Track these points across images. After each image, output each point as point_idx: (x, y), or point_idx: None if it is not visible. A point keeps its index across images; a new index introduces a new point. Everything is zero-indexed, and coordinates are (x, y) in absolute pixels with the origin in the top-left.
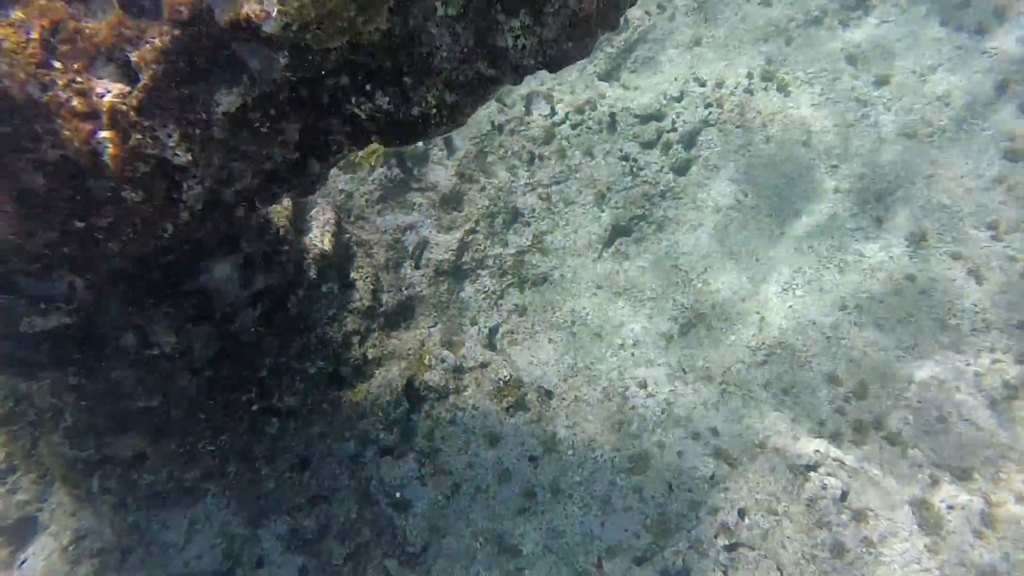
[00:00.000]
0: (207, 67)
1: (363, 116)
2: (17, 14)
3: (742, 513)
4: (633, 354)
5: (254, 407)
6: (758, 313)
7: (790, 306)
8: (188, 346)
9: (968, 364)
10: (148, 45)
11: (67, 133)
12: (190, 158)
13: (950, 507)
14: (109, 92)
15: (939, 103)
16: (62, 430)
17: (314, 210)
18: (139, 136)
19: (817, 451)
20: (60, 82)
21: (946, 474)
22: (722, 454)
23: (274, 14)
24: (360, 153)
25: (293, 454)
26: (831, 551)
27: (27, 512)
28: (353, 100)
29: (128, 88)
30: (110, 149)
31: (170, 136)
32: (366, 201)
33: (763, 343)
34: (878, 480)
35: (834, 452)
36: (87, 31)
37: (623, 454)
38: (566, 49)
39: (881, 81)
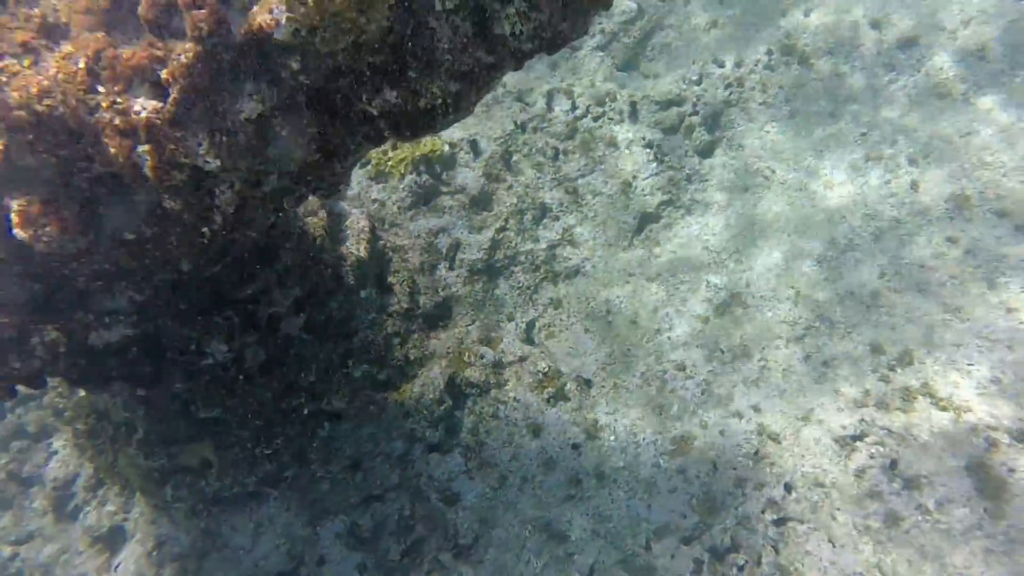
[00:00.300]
0: (229, 78)
1: (375, 112)
2: (66, 48)
3: (788, 487)
4: (669, 338)
5: (305, 411)
6: (793, 288)
7: (825, 278)
8: (240, 355)
9: (1021, 323)
10: (175, 62)
11: (112, 150)
12: (219, 164)
13: (1011, 470)
14: (145, 109)
15: (974, 58)
16: (136, 442)
17: (349, 220)
18: (172, 146)
19: (863, 420)
20: (104, 104)
21: (1004, 436)
22: (765, 430)
23: (283, 22)
24: (390, 162)
25: (345, 455)
26: (885, 521)
27: (116, 521)
28: (364, 97)
29: (160, 104)
30: (149, 161)
31: (200, 144)
32: (398, 208)
33: (800, 317)
34: (930, 446)
35: (881, 420)
36: (124, 56)
37: (665, 437)
38: (562, 30)
39: (908, 42)
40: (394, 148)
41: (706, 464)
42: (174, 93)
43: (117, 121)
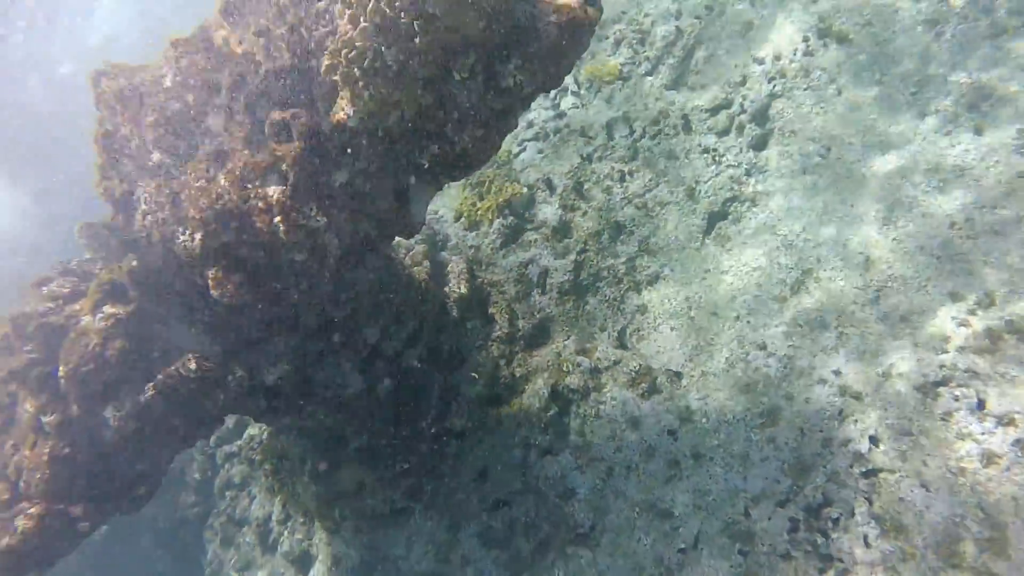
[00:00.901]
0: (324, 159)
1: (426, 163)
2: (228, 164)
3: (874, 440)
4: (749, 322)
5: (432, 430)
6: (862, 254)
7: (894, 239)
8: (372, 385)
9: None
10: (289, 157)
11: (259, 224)
12: (325, 221)
13: None
14: (275, 192)
15: None
16: (307, 472)
17: (449, 265)
18: (294, 214)
19: (942, 366)
20: (252, 195)
21: None
22: (847, 391)
23: (352, 114)
24: (478, 212)
25: (473, 467)
26: (981, 461)
27: (303, 547)
28: (416, 153)
29: (284, 187)
30: (281, 227)
31: (311, 209)
32: (491, 249)
33: (873, 280)
34: (1019, 381)
35: (963, 363)
36: (259, 160)
37: (753, 412)
38: (551, 73)
39: None
40: (481, 199)
41: (794, 431)
42: (290, 178)
43: (260, 204)
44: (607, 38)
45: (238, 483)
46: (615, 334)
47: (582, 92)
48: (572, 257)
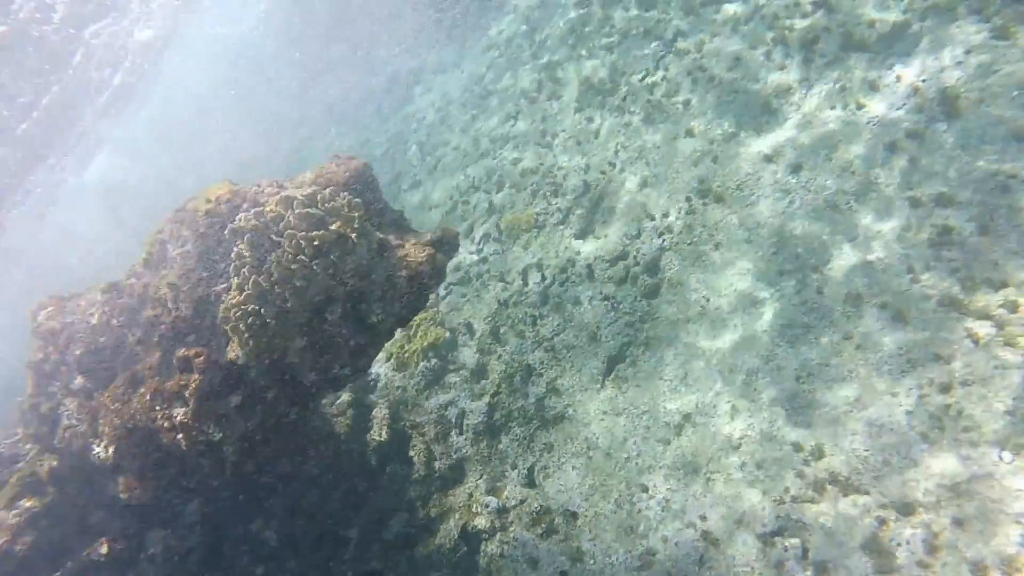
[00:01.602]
0: (220, 387)
1: (308, 384)
2: (140, 389)
3: None
4: (636, 464)
5: (350, 574)
6: (730, 402)
7: (754, 390)
8: (292, 535)
9: (901, 406)
10: (191, 386)
11: (165, 440)
12: (221, 435)
13: (898, 543)
14: (178, 414)
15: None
16: None
17: (375, 411)
18: (195, 432)
19: (778, 517)
20: (160, 415)
21: (892, 513)
22: (708, 536)
23: (240, 356)
24: (406, 354)
25: None
26: None
27: None
28: (298, 379)
29: (186, 408)
30: (183, 441)
31: (209, 427)
32: (416, 391)
33: (736, 428)
34: (831, 532)
35: (795, 514)
36: (167, 388)
37: (634, 554)
38: (406, 313)
39: (796, 168)
40: (409, 341)
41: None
42: (192, 403)
43: (166, 424)
44: (526, 188)
45: None
46: (525, 471)
47: (503, 238)
48: (487, 399)
